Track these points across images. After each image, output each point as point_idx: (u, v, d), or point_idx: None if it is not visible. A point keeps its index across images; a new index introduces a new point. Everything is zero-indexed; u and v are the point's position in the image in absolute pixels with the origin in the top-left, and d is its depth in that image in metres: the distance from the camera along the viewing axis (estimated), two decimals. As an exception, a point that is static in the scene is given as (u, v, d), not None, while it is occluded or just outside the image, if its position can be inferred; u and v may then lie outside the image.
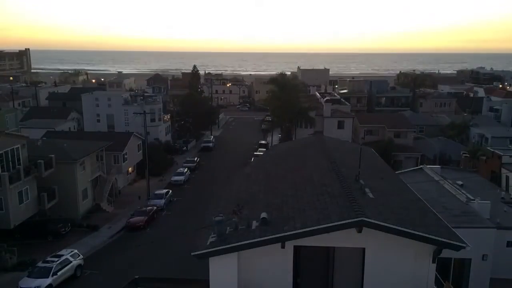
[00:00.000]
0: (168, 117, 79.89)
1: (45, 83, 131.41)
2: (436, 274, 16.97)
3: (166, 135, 76.50)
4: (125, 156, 55.14)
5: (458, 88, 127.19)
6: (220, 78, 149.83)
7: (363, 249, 15.31)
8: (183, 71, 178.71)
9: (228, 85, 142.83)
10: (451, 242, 14.91)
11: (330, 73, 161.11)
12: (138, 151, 59.34)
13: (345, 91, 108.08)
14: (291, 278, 15.62)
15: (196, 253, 15.11)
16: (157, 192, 52.03)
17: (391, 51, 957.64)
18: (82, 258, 35.08)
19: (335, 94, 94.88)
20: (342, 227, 14.46)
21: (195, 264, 17.27)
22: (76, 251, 35.21)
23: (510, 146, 56.20)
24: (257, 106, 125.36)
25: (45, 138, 52.16)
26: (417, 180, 30.54)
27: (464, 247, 14.95)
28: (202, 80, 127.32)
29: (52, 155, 42.58)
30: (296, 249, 15.34)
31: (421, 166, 40.70)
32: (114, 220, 46.08)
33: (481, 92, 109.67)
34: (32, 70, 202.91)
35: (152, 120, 68.87)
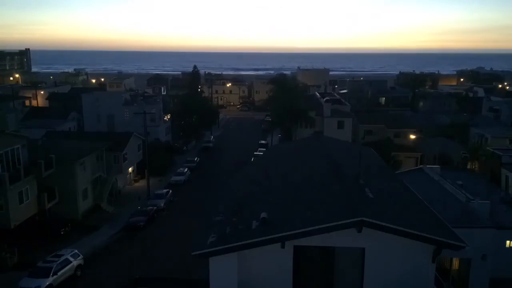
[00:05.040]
0: (168, 117, 79.90)
1: (45, 83, 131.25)
2: (436, 274, 16.98)
3: (166, 135, 76.48)
4: (125, 156, 55.09)
5: (458, 88, 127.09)
6: (220, 78, 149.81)
7: (363, 249, 15.33)
8: (183, 70, 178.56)
9: (228, 85, 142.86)
10: (451, 242, 14.93)
11: (330, 73, 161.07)
12: (138, 151, 59.33)
13: (345, 91, 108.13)
14: (291, 278, 15.63)
15: (196, 253, 15.13)
16: (157, 192, 52.02)
17: (391, 51, 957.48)
18: (82, 258, 35.04)
19: (335, 94, 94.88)
20: (342, 227, 14.49)
21: (196, 264, 17.29)
22: (76, 251, 35.16)
23: (510, 145, 56.20)
24: (257, 106, 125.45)
25: (45, 138, 52.12)
26: (417, 180, 30.56)
27: (463, 247, 14.98)
28: (202, 80, 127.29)
29: (52, 155, 42.56)
30: (296, 249, 15.35)
31: (421, 166, 40.71)
32: (114, 220, 46.06)
33: (481, 92, 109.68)
34: (32, 70, 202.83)
35: (152, 120, 68.83)
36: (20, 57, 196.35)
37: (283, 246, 14.92)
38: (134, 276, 29.73)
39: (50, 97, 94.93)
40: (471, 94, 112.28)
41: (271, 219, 15.53)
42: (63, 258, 33.26)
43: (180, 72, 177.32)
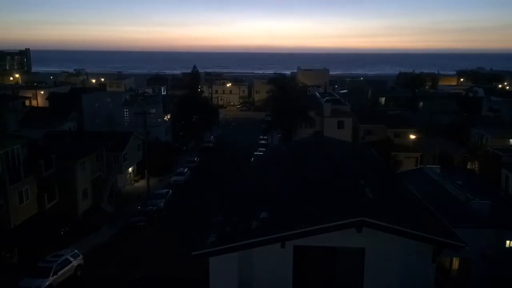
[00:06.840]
0: (168, 117, 79.91)
1: (45, 83, 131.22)
2: (436, 274, 16.99)
3: (166, 135, 76.49)
4: (125, 156, 55.08)
5: (458, 88, 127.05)
6: (220, 78, 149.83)
7: (363, 249, 15.33)
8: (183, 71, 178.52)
9: (228, 85, 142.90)
10: (451, 242, 14.93)
11: (330, 73, 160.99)
12: (138, 151, 59.34)
13: (345, 91, 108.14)
14: (291, 278, 15.63)
15: (196, 253, 15.11)
16: (157, 192, 52.06)
17: (391, 50, 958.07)
18: (82, 258, 35.08)
19: (335, 94, 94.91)
20: (342, 227, 14.48)
21: (195, 264, 17.28)
22: (76, 251, 35.21)
23: (510, 140, 56.23)
24: (257, 106, 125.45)
25: (45, 138, 52.11)
26: (417, 180, 30.58)
27: (463, 247, 14.97)
28: (202, 80, 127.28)
29: (52, 155, 42.58)
30: (296, 249, 15.35)
31: (421, 166, 40.75)
32: (114, 220, 46.08)
33: (480, 92, 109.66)
34: (32, 70, 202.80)
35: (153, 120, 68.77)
36: (20, 57, 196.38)
37: (283, 246, 14.92)
38: (134, 276, 29.75)
39: (50, 97, 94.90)
40: (471, 94, 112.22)
41: (271, 219, 15.53)
42: (63, 258, 33.29)
43: (180, 72, 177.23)
